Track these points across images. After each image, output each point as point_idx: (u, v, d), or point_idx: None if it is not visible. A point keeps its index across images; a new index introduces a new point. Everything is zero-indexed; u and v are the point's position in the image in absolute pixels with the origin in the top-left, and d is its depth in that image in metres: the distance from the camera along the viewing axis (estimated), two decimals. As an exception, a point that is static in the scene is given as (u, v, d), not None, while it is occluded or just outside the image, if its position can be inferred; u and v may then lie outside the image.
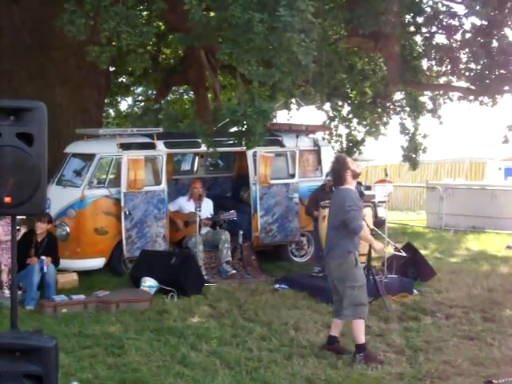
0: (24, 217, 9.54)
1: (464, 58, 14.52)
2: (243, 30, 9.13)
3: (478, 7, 12.23)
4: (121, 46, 9.83)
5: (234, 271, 11.75)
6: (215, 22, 9.79)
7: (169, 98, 24.93)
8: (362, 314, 7.46)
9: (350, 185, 7.59)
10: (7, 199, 5.18)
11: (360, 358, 7.32)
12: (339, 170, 7.62)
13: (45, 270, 9.94)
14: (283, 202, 12.84)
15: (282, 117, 17.21)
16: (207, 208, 12.33)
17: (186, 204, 12.46)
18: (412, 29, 14.48)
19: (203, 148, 11.71)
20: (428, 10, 13.87)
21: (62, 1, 10.49)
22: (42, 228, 10.39)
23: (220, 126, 14.16)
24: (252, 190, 12.67)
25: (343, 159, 7.74)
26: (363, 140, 16.91)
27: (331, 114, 17.16)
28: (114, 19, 9.51)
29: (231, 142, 11.59)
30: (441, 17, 13.89)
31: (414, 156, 15.86)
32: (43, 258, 10.05)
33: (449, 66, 14.93)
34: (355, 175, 7.64)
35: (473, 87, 14.75)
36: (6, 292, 9.50)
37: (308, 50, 9.29)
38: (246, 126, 10.06)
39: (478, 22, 13.42)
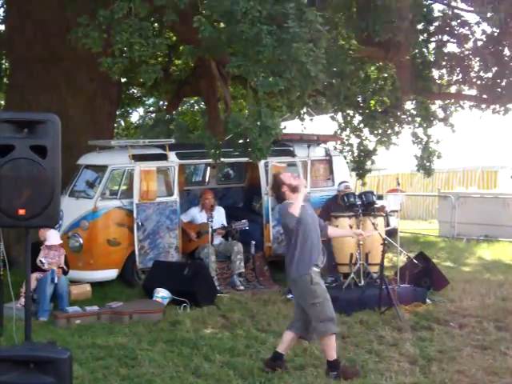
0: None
1: (475, 66, 14.49)
2: (252, 42, 9.16)
3: (489, 14, 12.22)
4: (133, 57, 9.87)
5: (243, 287, 11.71)
6: (225, 36, 9.83)
7: (180, 109, 24.99)
8: (332, 328, 7.20)
9: (292, 199, 7.26)
10: (21, 211, 5.23)
11: (334, 376, 7.08)
12: (277, 189, 7.45)
13: (55, 280, 9.95)
14: (295, 212, 12.80)
15: (294, 127, 17.20)
16: (219, 217, 12.35)
17: (198, 215, 12.49)
18: (423, 37, 14.45)
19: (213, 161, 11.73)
20: (441, 17, 13.85)
21: (73, 13, 10.57)
22: (44, 234, 10.37)
23: (230, 137, 14.17)
24: (264, 201, 12.67)
25: (277, 176, 7.61)
26: (375, 149, 16.89)
27: (342, 124, 17.15)
28: (126, 31, 9.56)
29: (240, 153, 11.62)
30: (452, 24, 13.88)
31: (427, 164, 15.83)
32: (54, 268, 10.08)
33: (460, 75, 14.90)
34: (293, 188, 7.31)
35: (485, 96, 14.72)
36: (22, 300, 9.49)
37: (317, 60, 9.30)
38: (248, 140, 10.09)
39: (489, 29, 13.41)
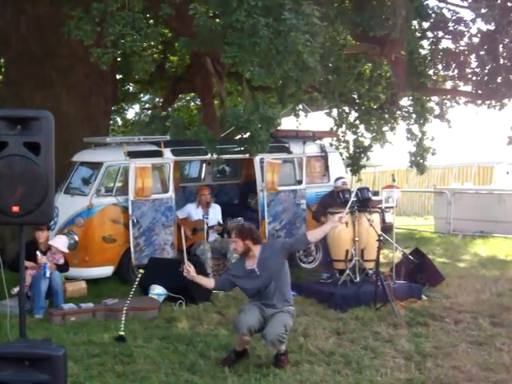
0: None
1: (471, 62, 14.49)
2: (248, 34, 9.14)
3: (483, 10, 12.22)
4: (124, 48, 9.83)
5: None
6: (220, 27, 9.81)
7: (175, 106, 24.96)
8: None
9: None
10: (15, 208, 5.20)
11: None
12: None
13: (47, 274, 9.89)
14: (291, 209, 12.83)
15: (289, 123, 17.18)
16: (215, 214, 12.33)
17: (194, 211, 12.46)
18: (418, 34, 14.45)
19: (210, 155, 11.71)
20: (434, 15, 13.84)
21: (68, 9, 10.53)
22: (42, 237, 10.37)
23: (226, 133, 14.14)
24: (259, 197, 12.66)
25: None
26: (370, 146, 16.89)
27: (338, 121, 17.15)
28: (119, 23, 9.53)
29: (238, 149, 11.59)
30: (447, 20, 13.88)
31: (421, 161, 15.84)
32: (47, 262, 10.03)
33: (455, 71, 14.90)
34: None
35: (480, 91, 14.73)
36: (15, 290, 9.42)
37: (313, 50, 9.29)
38: (249, 133, 10.07)
39: (484, 26, 13.42)
